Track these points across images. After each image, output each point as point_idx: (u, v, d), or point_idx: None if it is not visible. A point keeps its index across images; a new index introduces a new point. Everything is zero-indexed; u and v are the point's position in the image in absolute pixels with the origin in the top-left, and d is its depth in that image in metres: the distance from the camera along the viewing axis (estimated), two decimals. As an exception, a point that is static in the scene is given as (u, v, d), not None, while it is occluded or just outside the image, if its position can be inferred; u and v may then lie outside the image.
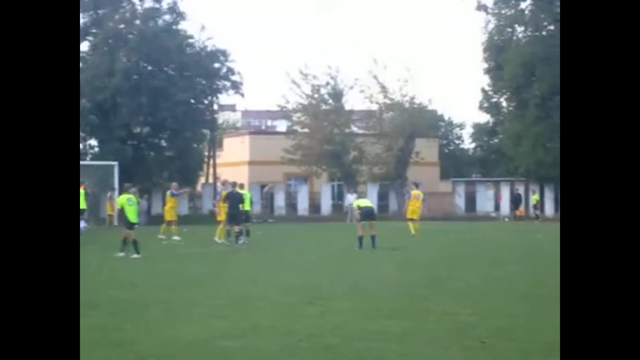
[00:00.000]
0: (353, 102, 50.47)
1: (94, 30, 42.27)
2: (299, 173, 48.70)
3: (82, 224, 26.72)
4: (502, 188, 49.02)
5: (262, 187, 44.50)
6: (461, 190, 50.21)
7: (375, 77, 46.86)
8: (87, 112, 38.69)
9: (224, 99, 50.12)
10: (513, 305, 11.14)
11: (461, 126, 70.79)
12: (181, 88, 41.83)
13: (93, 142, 43.03)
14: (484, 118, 60.25)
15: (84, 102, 37.79)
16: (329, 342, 8.49)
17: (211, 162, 49.33)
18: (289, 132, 49.97)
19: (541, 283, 13.67)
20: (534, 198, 47.29)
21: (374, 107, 48.47)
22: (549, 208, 46.93)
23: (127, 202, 19.92)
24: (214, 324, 9.63)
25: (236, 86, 45.93)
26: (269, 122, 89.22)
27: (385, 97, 47.35)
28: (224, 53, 45.36)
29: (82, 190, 26.95)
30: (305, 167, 47.26)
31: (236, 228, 23.28)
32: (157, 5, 43.96)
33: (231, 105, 74.54)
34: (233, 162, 52.54)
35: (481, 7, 48.98)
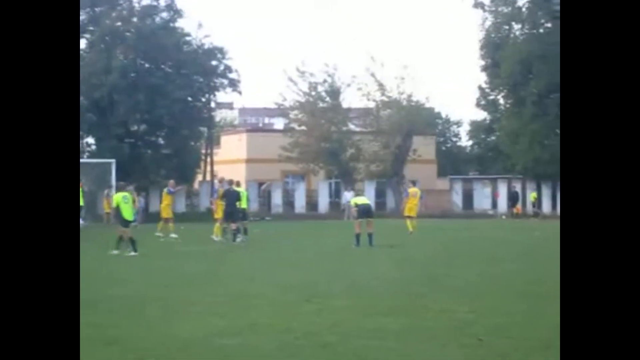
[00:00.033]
0: (350, 99, 50.46)
1: (91, 28, 42.22)
2: (297, 171, 48.72)
3: (80, 222, 26.70)
4: (499, 185, 49.06)
5: (260, 184, 44.50)
6: (458, 187, 50.23)
7: (372, 74, 46.93)
8: (84, 109, 38.59)
9: (221, 96, 50.17)
10: (510, 302, 11.14)
11: (458, 124, 70.90)
12: (178, 86, 41.81)
13: (90, 139, 42.99)
14: (481, 115, 60.43)
15: (81, 99, 37.74)
16: (326, 340, 8.49)
17: (208, 159, 49.33)
18: (286, 130, 50.01)
19: (538, 281, 13.68)
20: (532, 196, 47.38)
21: (372, 104, 48.55)
22: (546, 205, 46.98)
23: (122, 199, 19.91)
24: (212, 322, 9.63)
25: (233, 84, 45.92)
26: (266, 120, 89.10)
27: (383, 94, 47.39)
28: (221, 51, 45.35)
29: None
30: (303, 165, 47.29)
31: (233, 225, 23.29)
32: (154, 3, 43.94)
33: (228, 103, 74.52)
34: (230, 159, 52.54)
35: (478, 5, 49.03)
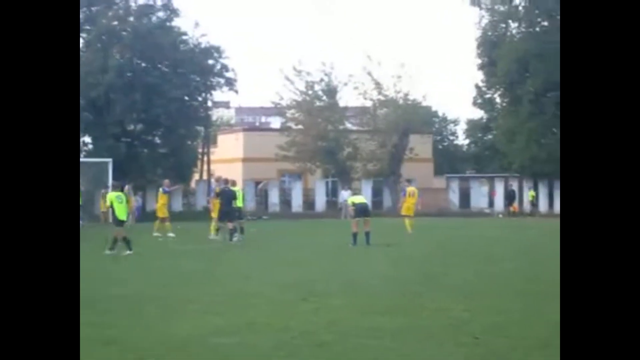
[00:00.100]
0: (347, 98, 50.51)
1: (87, 27, 42.11)
2: (293, 170, 48.72)
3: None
4: (496, 184, 49.08)
5: (257, 183, 44.49)
6: (455, 186, 50.24)
7: (369, 73, 46.92)
8: (80, 109, 38.56)
9: (218, 95, 50.09)
10: (507, 301, 11.17)
11: (455, 122, 71.00)
12: (175, 85, 41.79)
13: (87, 139, 42.91)
14: (478, 114, 60.47)
15: (77, 99, 37.75)
16: (323, 339, 8.51)
17: (205, 159, 49.32)
18: (283, 129, 49.97)
19: (536, 279, 13.72)
20: (530, 194, 47.40)
21: (368, 103, 48.55)
22: (543, 204, 47.02)
23: (116, 199, 19.88)
24: (209, 321, 9.64)
25: (230, 83, 45.89)
26: (263, 119, 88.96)
27: (380, 93, 47.39)
28: (217, 50, 45.31)
29: (76, 188, 26.91)
30: (300, 164, 47.30)
31: (230, 225, 23.30)
32: (150, 2, 43.89)
33: (225, 102, 74.37)
34: (227, 158, 52.52)
35: (475, 3, 49.02)
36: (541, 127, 45.25)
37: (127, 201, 21.40)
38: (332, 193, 49.13)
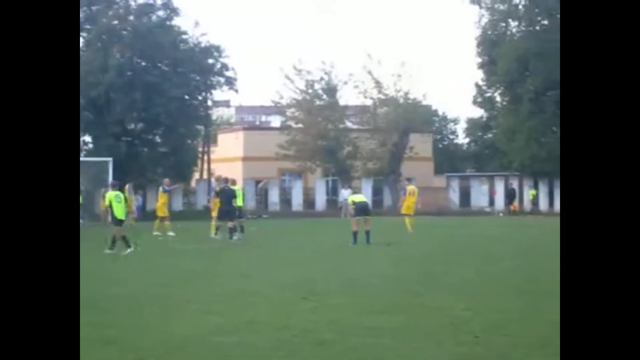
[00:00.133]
0: (347, 97, 50.50)
1: (87, 26, 42.14)
2: (293, 168, 48.75)
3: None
4: (496, 183, 49.07)
5: (257, 182, 44.49)
6: (455, 185, 50.24)
7: (369, 72, 46.93)
8: (81, 108, 38.56)
9: (218, 94, 50.15)
10: (507, 300, 11.16)
11: (455, 121, 70.96)
12: (175, 84, 41.80)
13: (87, 138, 42.94)
14: (478, 113, 60.45)
15: (77, 98, 37.76)
16: (323, 338, 8.50)
17: (205, 158, 49.32)
18: (283, 128, 49.96)
19: (536, 278, 13.71)
20: (531, 193, 47.41)
21: (368, 102, 48.56)
22: (543, 203, 47.05)
23: (115, 198, 19.89)
24: (209, 320, 9.64)
25: (230, 82, 45.90)
26: (263, 118, 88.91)
27: (380, 92, 47.40)
28: (217, 49, 45.32)
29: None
30: (300, 163, 47.31)
31: (230, 224, 23.29)
32: (150, 1, 43.90)
33: (225, 101, 74.40)
34: (227, 157, 52.52)
35: (475, 2, 49.04)
36: (541, 125, 45.27)
37: (126, 200, 21.40)
38: (332, 192, 49.14)
